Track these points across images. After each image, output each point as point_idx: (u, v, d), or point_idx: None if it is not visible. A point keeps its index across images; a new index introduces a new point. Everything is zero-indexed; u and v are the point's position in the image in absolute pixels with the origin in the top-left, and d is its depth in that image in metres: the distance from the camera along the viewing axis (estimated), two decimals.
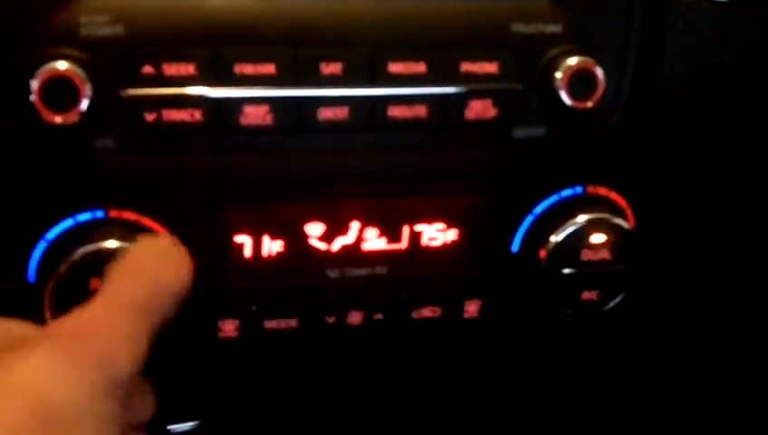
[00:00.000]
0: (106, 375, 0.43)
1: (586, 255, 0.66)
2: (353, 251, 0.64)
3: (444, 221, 0.65)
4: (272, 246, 0.63)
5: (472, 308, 0.68)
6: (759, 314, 0.81)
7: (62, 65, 0.53)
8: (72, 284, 0.56)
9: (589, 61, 0.61)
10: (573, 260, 0.66)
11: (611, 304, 0.68)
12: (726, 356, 0.84)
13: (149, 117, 0.56)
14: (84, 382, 0.42)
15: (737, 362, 0.84)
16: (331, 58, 0.58)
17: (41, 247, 0.58)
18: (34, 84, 0.53)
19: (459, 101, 0.60)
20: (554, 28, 0.62)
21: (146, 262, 0.50)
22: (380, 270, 0.65)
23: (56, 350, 0.42)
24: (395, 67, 0.59)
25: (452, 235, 0.65)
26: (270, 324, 0.64)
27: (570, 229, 0.65)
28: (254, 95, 0.57)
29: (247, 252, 0.62)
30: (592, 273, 0.66)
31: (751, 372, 0.85)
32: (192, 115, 0.56)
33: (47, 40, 0.55)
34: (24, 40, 0.54)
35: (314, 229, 0.63)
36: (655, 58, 0.65)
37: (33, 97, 0.53)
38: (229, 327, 0.64)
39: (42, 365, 0.41)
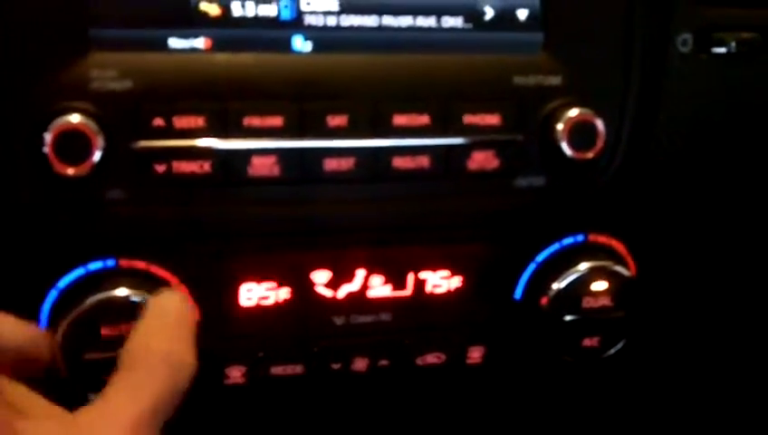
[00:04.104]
0: None
1: (587, 302, 0.66)
2: (359, 298, 0.65)
3: (448, 269, 0.66)
4: (278, 294, 0.64)
5: (475, 354, 0.68)
6: (761, 363, 0.81)
7: (74, 118, 0.54)
8: (83, 331, 0.57)
9: (589, 112, 0.62)
10: (575, 307, 0.66)
11: (612, 351, 0.69)
12: (729, 404, 0.84)
13: (159, 168, 0.57)
14: None
15: (740, 411, 0.85)
16: (336, 111, 0.59)
17: (52, 296, 0.59)
18: (48, 137, 0.54)
19: (462, 153, 0.61)
20: (554, 80, 0.63)
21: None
22: (385, 317, 0.66)
23: None
24: (399, 119, 0.60)
25: (456, 282, 0.66)
26: (276, 370, 0.65)
27: (571, 277, 0.66)
28: (261, 147, 0.58)
29: (254, 299, 0.63)
30: (593, 320, 0.67)
31: (753, 420, 0.85)
32: (201, 166, 0.57)
33: (59, 94, 0.56)
34: (35, 94, 0.55)
35: (320, 277, 0.64)
36: (653, 109, 0.66)
37: (46, 149, 0.54)
38: (236, 373, 0.64)
39: None
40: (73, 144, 0.54)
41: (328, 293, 0.65)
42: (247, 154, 0.58)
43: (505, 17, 0.63)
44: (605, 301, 0.67)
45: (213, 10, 0.59)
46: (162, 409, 0.44)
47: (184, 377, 0.46)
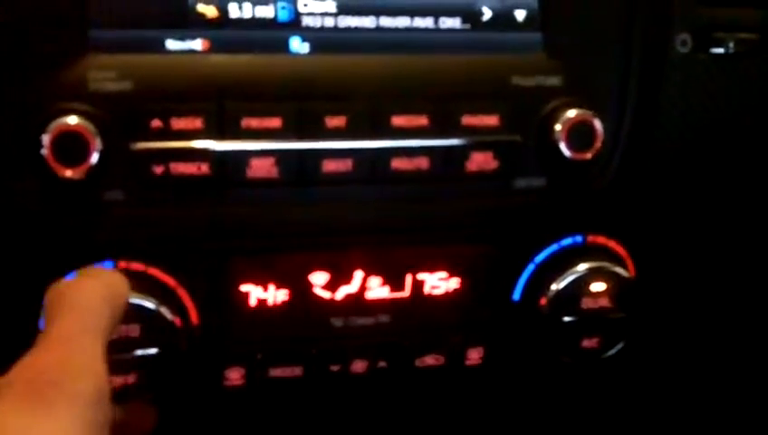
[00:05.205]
0: (78, 410, 0.42)
1: (586, 303, 0.66)
2: (357, 300, 0.65)
3: (446, 270, 0.66)
4: (277, 296, 0.63)
5: (474, 356, 0.68)
6: (760, 363, 0.81)
7: (72, 120, 0.55)
8: None
9: (587, 113, 0.62)
10: (573, 308, 0.66)
11: (611, 352, 0.68)
12: (729, 404, 0.84)
13: (158, 170, 0.57)
14: (60, 424, 0.41)
15: (740, 411, 0.85)
16: (334, 112, 0.59)
17: None
18: (46, 139, 0.54)
19: (460, 154, 0.61)
20: (553, 81, 0.63)
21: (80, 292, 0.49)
22: (384, 319, 0.66)
23: (23, 400, 0.42)
24: (397, 120, 0.60)
25: (454, 283, 0.66)
26: (275, 372, 0.65)
27: (570, 278, 0.66)
28: (259, 148, 0.58)
29: (253, 301, 0.63)
30: (592, 321, 0.67)
31: (753, 421, 0.85)
32: (199, 168, 0.57)
33: (57, 95, 0.56)
34: (34, 95, 0.56)
35: (319, 279, 0.64)
36: (652, 109, 0.66)
37: (44, 151, 0.54)
38: (235, 375, 0.64)
39: (13, 421, 0.41)
40: (71, 146, 0.55)
41: (326, 294, 0.64)
42: (245, 155, 0.58)
43: (503, 18, 0.63)
44: (604, 302, 0.67)
45: (210, 12, 0.59)
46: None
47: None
